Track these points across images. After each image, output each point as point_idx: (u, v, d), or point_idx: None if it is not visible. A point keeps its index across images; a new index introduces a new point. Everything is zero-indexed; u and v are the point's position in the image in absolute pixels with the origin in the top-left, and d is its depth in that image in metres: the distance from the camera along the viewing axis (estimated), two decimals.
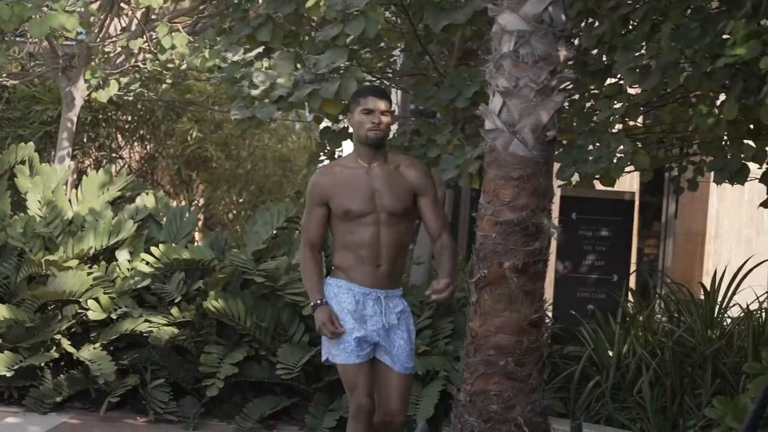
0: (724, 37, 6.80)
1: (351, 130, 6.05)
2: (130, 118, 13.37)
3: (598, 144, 7.63)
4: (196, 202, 13.28)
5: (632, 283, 11.00)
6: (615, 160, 7.53)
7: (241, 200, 13.55)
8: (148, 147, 13.72)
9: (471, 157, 7.77)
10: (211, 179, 13.46)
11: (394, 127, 8.74)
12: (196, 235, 10.21)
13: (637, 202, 12.13)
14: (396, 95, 10.52)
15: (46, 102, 12.38)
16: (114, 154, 13.30)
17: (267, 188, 13.48)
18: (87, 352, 8.74)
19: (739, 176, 7.87)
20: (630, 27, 7.96)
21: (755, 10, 6.03)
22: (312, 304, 5.89)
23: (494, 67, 5.68)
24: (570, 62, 7.66)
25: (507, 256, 5.58)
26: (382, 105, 5.87)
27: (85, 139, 12.91)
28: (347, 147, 10.56)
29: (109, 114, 13.05)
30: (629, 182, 12.36)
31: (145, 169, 13.72)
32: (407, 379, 5.98)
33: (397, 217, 5.89)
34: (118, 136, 13.40)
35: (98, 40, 10.88)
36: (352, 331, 5.84)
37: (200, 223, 13.11)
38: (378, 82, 10.07)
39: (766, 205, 8.03)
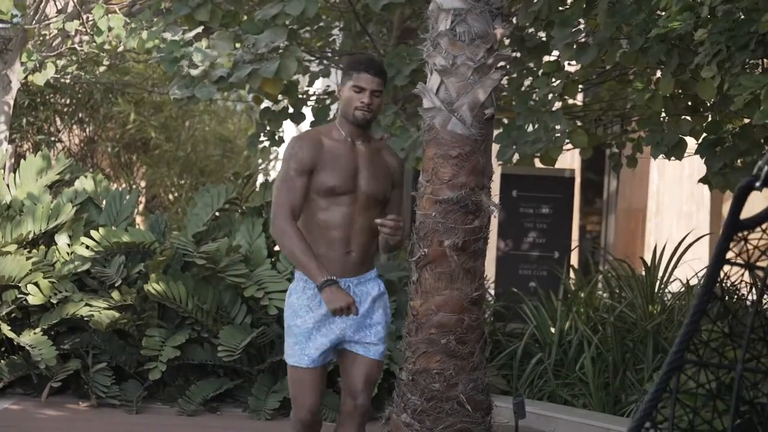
0: (659, 13, 6.83)
1: (338, 99, 5.61)
2: (68, 102, 13.28)
3: (536, 124, 7.65)
4: (136, 184, 13.21)
5: (574, 260, 11.06)
6: (554, 140, 7.56)
7: (182, 182, 13.50)
8: (87, 130, 13.64)
9: (417, 139, 7.77)
10: (151, 162, 13.39)
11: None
12: (137, 218, 10.14)
13: (578, 179, 12.22)
14: (336, 75, 10.48)
15: None
16: (53, 138, 13.20)
17: (208, 170, 13.44)
18: (27, 338, 8.66)
19: (676, 151, 7.91)
20: (567, 4, 7.98)
21: None
22: (321, 282, 5.15)
23: (431, 46, 5.66)
24: (507, 39, 7.67)
25: (447, 235, 5.57)
26: (375, 84, 5.35)
27: (23, 123, 12.80)
28: (288, 127, 10.55)
29: (47, 97, 12.95)
30: (570, 160, 12.43)
31: (85, 152, 13.63)
32: (378, 366, 5.43)
33: (375, 201, 5.40)
34: (57, 119, 13.31)
35: (34, 22, 10.78)
36: (309, 334, 5.32)
37: (141, 206, 13.05)
38: (317, 62, 10.05)
39: (706, 182, 8.08)
